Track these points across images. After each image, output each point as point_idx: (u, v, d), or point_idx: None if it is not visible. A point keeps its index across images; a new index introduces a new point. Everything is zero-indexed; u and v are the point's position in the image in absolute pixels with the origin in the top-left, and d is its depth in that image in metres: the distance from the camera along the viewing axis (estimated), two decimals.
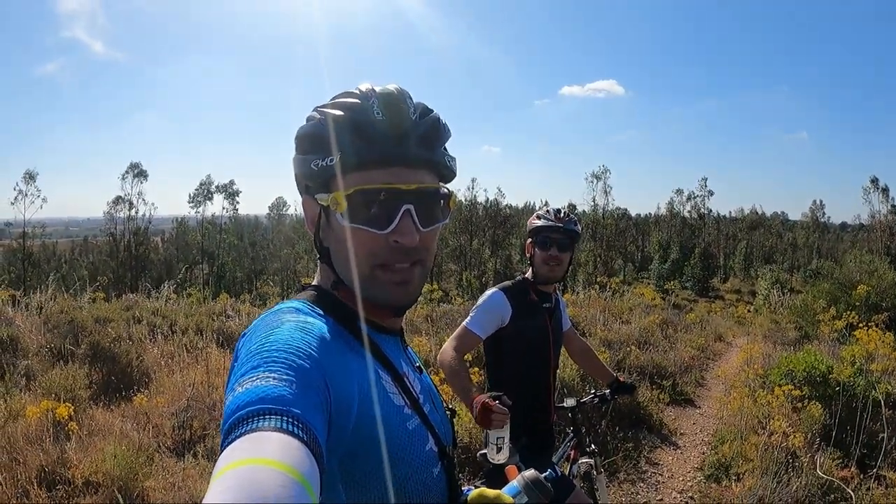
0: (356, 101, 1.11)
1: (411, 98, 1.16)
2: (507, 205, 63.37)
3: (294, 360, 0.91)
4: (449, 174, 1.20)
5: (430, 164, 1.14)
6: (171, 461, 5.10)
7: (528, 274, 3.21)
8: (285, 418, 0.78)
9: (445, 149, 1.18)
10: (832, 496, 5.12)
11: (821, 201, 77.36)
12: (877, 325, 9.79)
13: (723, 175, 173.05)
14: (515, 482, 1.36)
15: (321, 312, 1.10)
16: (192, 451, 5.16)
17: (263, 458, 0.70)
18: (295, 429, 0.78)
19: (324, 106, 1.14)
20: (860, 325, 9.74)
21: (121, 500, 4.29)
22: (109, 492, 4.43)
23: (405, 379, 1.17)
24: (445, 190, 1.17)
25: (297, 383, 0.86)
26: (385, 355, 1.14)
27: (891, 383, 7.50)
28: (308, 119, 1.16)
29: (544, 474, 1.40)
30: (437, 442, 1.19)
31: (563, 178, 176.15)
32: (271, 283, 38.66)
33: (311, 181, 1.13)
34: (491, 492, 1.24)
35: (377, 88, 1.12)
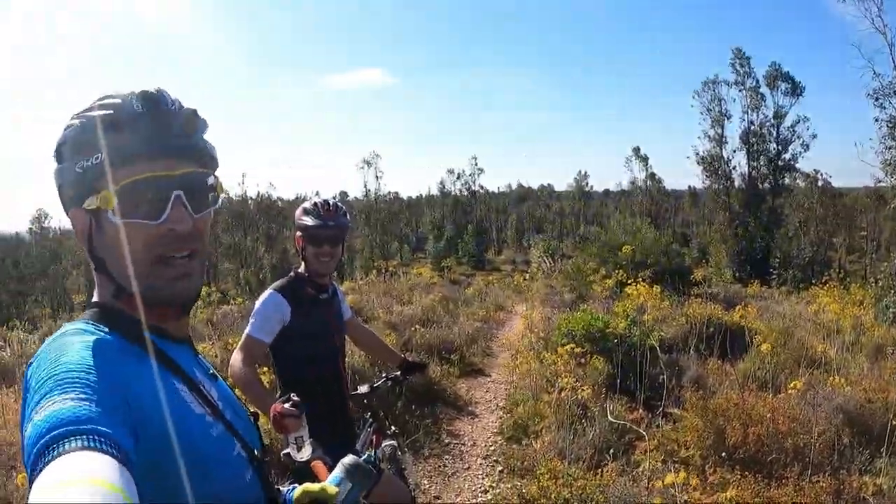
0: (116, 100, 1.09)
1: (168, 93, 1.14)
2: (279, 198, 61.88)
3: (89, 378, 0.89)
4: (212, 162, 1.21)
5: (193, 152, 1.15)
6: None
7: (301, 268, 3.12)
8: (91, 437, 0.77)
9: (205, 139, 1.19)
10: (626, 438, 5.43)
11: (585, 171, 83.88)
12: (644, 280, 10.66)
13: (492, 153, 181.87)
14: (337, 471, 1.42)
15: (107, 329, 1.07)
16: None
17: (78, 478, 0.69)
18: (103, 445, 0.76)
19: (82, 111, 1.11)
20: (629, 281, 10.54)
21: None
22: None
23: (201, 387, 1.16)
24: (212, 177, 1.19)
25: (96, 401, 0.85)
26: (178, 364, 1.13)
27: (663, 330, 8.18)
28: (66, 127, 1.12)
29: (363, 458, 1.48)
30: (244, 447, 1.19)
31: (334, 165, 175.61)
32: (42, 304, 35.49)
33: (77, 187, 1.09)
34: (314, 486, 1.31)
35: (135, 89, 1.10)
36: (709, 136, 40.23)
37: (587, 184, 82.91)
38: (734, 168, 40.15)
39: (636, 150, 66.57)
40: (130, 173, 1.05)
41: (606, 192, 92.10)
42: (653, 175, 66.07)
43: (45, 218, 66.95)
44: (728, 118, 39.70)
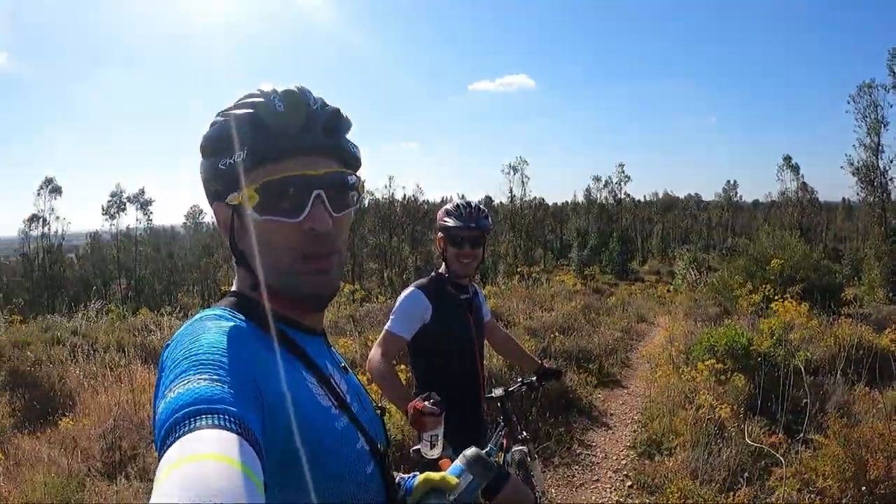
0: (258, 98, 1.12)
1: (311, 93, 1.18)
2: (424, 200, 63.19)
3: (222, 361, 0.91)
4: (354, 162, 1.23)
5: (335, 151, 1.18)
6: (103, 485, 4.89)
7: (443, 269, 3.18)
8: (222, 416, 0.79)
9: (348, 138, 1.22)
10: (763, 462, 5.32)
11: (734, 181, 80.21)
12: (792, 297, 10.22)
13: (638, 160, 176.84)
14: (458, 461, 1.39)
15: (243, 317, 1.10)
16: (123, 473, 4.95)
17: (206, 453, 0.71)
18: (233, 425, 0.78)
19: (227, 108, 1.15)
20: (776, 297, 10.16)
21: None
22: None
23: (331, 380, 1.17)
24: (353, 177, 1.20)
25: (228, 383, 0.87)
26: (309, 357, 1.15)
27: (809, 351, 7.86)
28: (212, 124, 1.16)
29: (485, 450, 1.42)
30: (367, 440, 1.20)
31: (480, 170, 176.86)
32: (192, 294, 37.79)
33: (220, 183, 1.14)
34: (435, 474, 1.34)
35: (278, 88, 1.14)
36: (864, 145, 37.49)
37: (736, 193, 79.45)
38: (891, 179, 37.54)
39: (787, 158, 62.99)
40: (272, 172, 1.08)
41: (755, 202, 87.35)
42: (804, 185, 62.58)
43: (200, 214, 71.90)
44: (885, 125, 36.91)
